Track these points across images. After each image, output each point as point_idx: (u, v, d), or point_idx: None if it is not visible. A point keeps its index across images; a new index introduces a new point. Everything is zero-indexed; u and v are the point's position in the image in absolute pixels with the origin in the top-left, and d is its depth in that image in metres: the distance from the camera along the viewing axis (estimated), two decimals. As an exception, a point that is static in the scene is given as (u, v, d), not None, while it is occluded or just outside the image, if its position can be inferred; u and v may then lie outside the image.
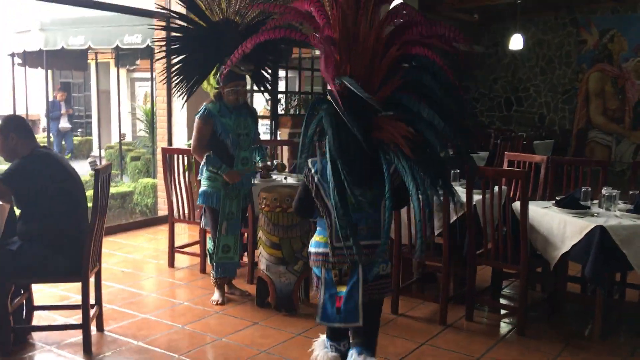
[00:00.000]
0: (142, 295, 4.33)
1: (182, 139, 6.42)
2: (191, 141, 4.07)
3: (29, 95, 12.11)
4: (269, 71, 4.63)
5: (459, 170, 4.51)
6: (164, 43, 4.34)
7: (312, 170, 2.40)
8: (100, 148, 13.35)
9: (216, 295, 4.16)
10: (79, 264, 3.26)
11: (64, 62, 11.66)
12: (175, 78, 4.25)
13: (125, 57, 10.20)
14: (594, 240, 3.41)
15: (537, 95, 10.92)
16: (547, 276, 4.17)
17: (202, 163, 3.96)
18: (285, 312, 3.99)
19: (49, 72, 15.16)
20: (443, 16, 9.50)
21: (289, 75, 8.33)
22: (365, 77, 2.30)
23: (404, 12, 2.36)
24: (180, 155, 4.89)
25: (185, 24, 4.26)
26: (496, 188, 3.78)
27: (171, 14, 4.46)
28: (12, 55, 10.27)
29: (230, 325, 3.81)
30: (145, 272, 4.89)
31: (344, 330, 2.57)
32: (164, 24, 4.83)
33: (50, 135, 12.65)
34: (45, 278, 3.42)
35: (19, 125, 3.33)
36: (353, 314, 2.41)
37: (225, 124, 3.93)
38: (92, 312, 3.48)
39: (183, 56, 4.20)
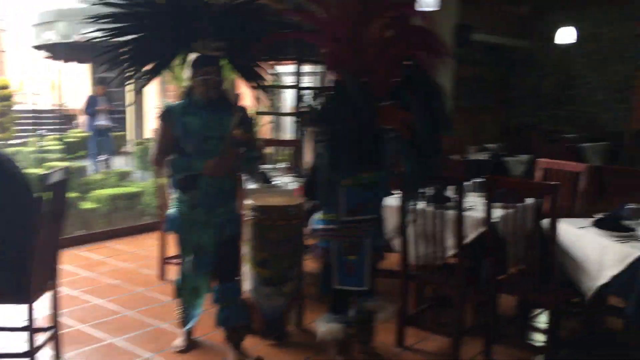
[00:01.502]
0: (118, 314, 3.89)
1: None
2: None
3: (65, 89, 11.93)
4: (261, 67, 3.60)
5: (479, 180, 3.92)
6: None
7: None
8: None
9: (178, 340, 3.40)
10: (27, 283, 2.83)
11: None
12: (118, 63, 3.11)
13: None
14: (639, 272, 2.77)
15: (591, 93, 9.98)
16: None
17: (168, 174, 3.13)
18: (273, 340, 3.49)
19: (88, 66, 15.12)
20: (487, 9, 8.78)
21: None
22: (371, 70, 2.76)
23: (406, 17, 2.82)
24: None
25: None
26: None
27: None
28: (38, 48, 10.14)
29: (207, 356, 3.33)
30: (132, 285, 4.45)
31: (346, 301, 3.09)
32: None
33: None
34: (-12, 299, 3.00)
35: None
36: (362, 280, 2.98)
37: (188, 125, 3.00)
38: (45, 336, 3.08)
39: (130, 37, 3.06)
